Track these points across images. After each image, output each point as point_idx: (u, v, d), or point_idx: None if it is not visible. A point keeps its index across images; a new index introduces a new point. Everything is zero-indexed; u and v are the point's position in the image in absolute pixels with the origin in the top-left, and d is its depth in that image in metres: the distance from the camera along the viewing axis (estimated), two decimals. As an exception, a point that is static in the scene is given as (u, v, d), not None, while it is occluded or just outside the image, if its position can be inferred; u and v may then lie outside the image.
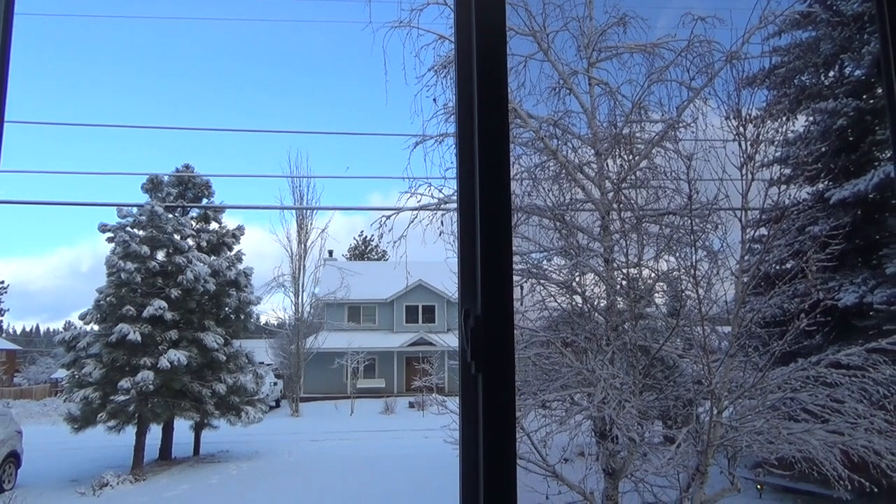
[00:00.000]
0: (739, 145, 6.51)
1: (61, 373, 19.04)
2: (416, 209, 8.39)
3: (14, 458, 13.03)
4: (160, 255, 15.93)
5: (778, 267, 7.83)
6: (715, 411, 6.16)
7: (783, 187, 6.96)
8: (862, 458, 5.95)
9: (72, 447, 15.15)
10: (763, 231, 7.06)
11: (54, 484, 13.17)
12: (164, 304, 15.02)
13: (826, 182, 10.18)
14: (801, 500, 9.13)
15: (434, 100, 7.71)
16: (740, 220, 6.64)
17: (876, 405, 6.11)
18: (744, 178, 6.51)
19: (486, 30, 1.57)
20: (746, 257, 6.80)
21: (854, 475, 6.00)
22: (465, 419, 1.45)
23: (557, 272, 7.25)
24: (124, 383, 14.01)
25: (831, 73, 11.20)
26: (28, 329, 45.28)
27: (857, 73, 10.62)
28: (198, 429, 16.28)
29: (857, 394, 6.11)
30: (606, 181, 7.36)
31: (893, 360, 6.24)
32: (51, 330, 40.84)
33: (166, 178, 17.16)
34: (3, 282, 33.39)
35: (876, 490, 5.92)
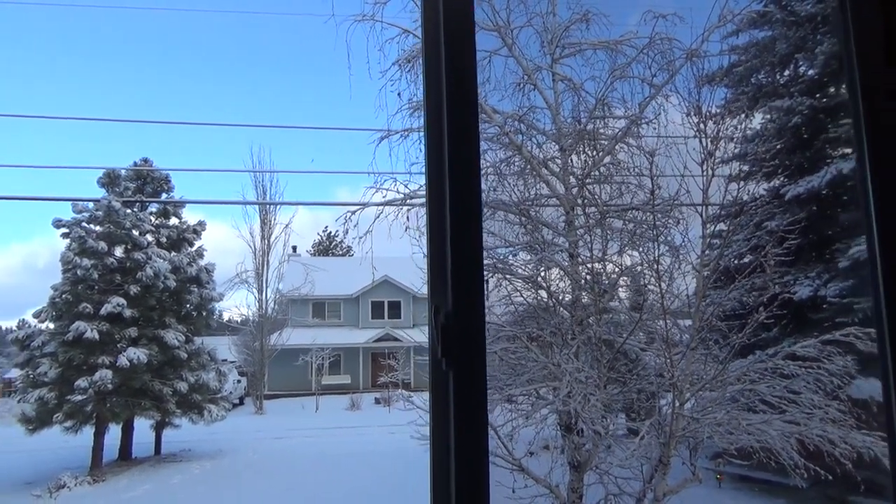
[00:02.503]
0: (700, 142, 6.62)
1: (15, 372, 18.45)
2: (381, 204, 8.35)
3: (-36, 461, 12.62)
4: (118, 252, 15.57)
5: (736, 261, 8.00)
6: (677, 403, 6.27)
7: (742, 183, 7.10)
8: (817, 446, 6.13)
9: (27, 449, 14.73)
10: (722, 226, 7.21)
11: (8, 487, 12.79)
12: (122, 301, 14.69)
13: (782, 178, 10.44)
14: (758, 489, 9.37)
15: (399, 94, 7.67)
16: (701, 216, 6.75)
17: (830, 395, 6.30)
18: (704, 174, 6.62)
19: (454, 23, 1.55)
20: (706, 252, 6.93)
21: (810, 463, 6.18)
22: (436, 416, 1.44)
23: (523, 267, 7.29)
24: (81, 382, 13.65)
25: (786, 72, 11.47)
26: (-22, 328, 43.75)
27: (811, 72, 10.90)
28: (159, 428, 15.99)
29: (812, 384, 6.29)
30: (571, 177, 7.42)
31: (846, 351, 6.44)
32: (3, 328, 39.58)
33: (124, 172, 16.75)
34: (-49, 279, 32.18)
35: (830, 478, 6.11)
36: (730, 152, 7.89)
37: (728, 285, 7.00)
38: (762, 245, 7.29)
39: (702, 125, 6.63)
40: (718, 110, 7.28)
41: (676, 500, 6.54)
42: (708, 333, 6.83)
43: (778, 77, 11.58)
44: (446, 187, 1.48)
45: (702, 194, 6.68)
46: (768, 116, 11.08)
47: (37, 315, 15.06)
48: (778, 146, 10.09)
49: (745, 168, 9.33)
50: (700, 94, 6.85)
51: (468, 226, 1.47)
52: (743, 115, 8.12)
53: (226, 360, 20.16)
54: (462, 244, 1.45)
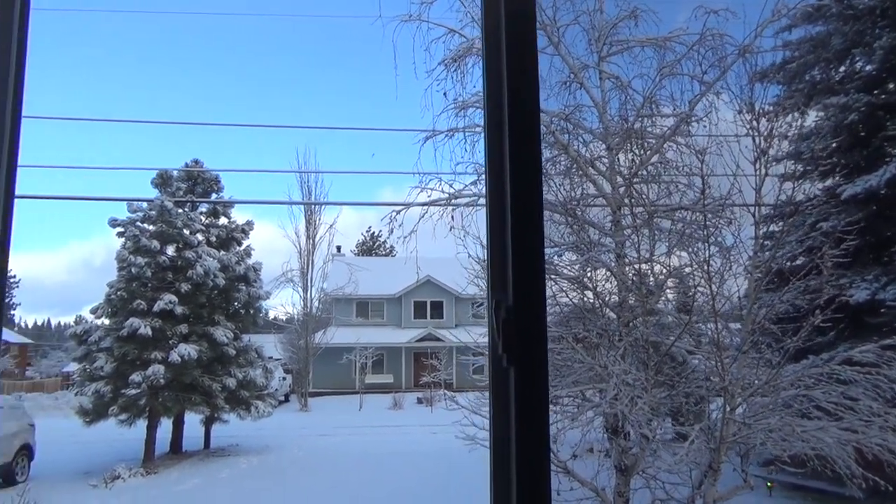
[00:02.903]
0: (753, 140, 6.46)
1: (73, 366, 19.17)
2: (425, 204, 8.39)
3: (27, 450, 13.15)
4: (170, 250, 16.00)
5: (790, 263, 7.77)
6: (728, 408, 6.12)
7: (796, 182, 6.90)
8: (876, 456, 5.91)
9: (84, 440, 15.25)
10: (775, 227, 7.01)
11: (67, 476, 13.27)
12: (174, 298, 15.10)
13: (838, 177, 10.08)
14: (811, 498, 9.08)
15: (444, 94, 7.70)
16: (753, 216, 6.58)
17: (890, 403, 6.06)
18: (757, 172, 6.45)
19: (516, 21, 1.55)
20: (759, 253, 6.75)
21: (868, 473, 5.95)
22: (497, 413, 1.43)
23: (569, 267, 7.22)
24: (135, 377, 14.09)
25: (842, 68, 11.08)
26: (40, 323, 45.61)
27: (869, 67, 10.51)
28: (208, 423, 16.37)
29: (871, 391, 6.06)
30: (618, 176, 7.32)
31: (908, 357, 6.19)
32: (62, 324, 41.14)
33: (176, 173, 17.22)
34: (14, 276, 33.63)
35: (891, 489, 5.88)
36: (783, 151, 7.68)
37: (781, 287, 6.81)
38: (817, 246, 7.07)
39: (754, 122, 6.47)
40: (771, 108, 7.09)
41: (726, 506, 6.39)
42: (760, 337, 6.66)
43: (833, 73, 11.20)
44: (507, 182, 1.48)
45: (754, 194, 6.51)
46: (823, 114, 10.73)
47: (93, 311, 15.61)
48: (833, 144, 9.76)
49: (800, 167, 9.06)
50: (753, 90, 6.68)
51: (530, 220, 1.45)
52: (797, 113, 7.88)
53: (272, 357, 20.54)
54: (523, 238, 1.44)
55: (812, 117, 10.52)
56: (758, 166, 6.47)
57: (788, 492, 9.37)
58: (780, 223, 6.77)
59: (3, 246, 1.52)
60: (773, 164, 6.72)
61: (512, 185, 1.47)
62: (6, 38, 1.55)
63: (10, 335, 30.73)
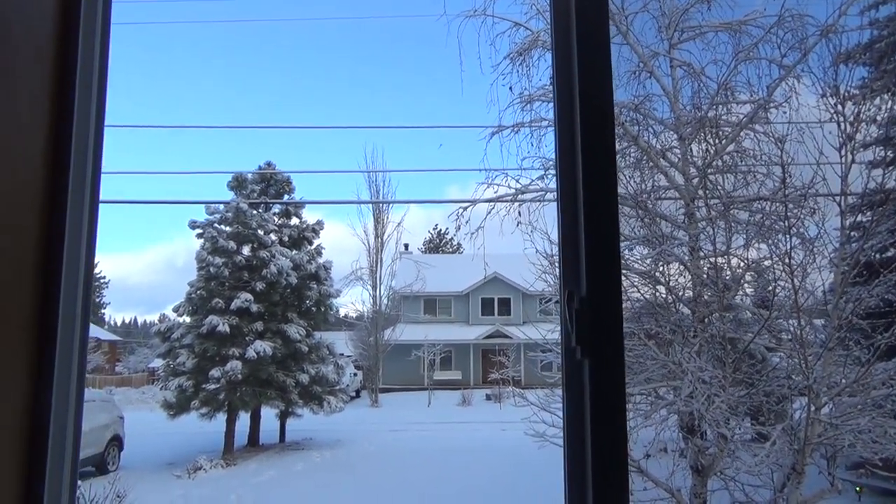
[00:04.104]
0: (838, 125, 6.10)
1: (158, 362, 20.15)
2: (492, 200, 8.35)
3: (117, 441, 13.93)
4: (245, 250, 16.57)
5: (879, 255, 7.31)
6: (813, 408, 5.82)
7: (887, 169, 6.47)
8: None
9: (168, 432, 16.02)
10: (863, 216, 6.60)
11: (153, 467, 13.97)
12: (250, 296, 15.63)
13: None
14: (905, 505, 8.55)
15: (510, 88, 7.63)
16: (839, 205, 6.22)
17: None
18: (843, 159, 6.09)
19: (586, 8, 1.51)
20: (845, 244, 6.37)
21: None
22: (571, 409, 1.39)
23: (640, 262, 7.04)
24: (215, 372, 14.69)
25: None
26: (127, 321, 48.31)
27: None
28: (283, 417, 16.88)
29: (974, 391, 5.64)
30: (691, 167, 7.08)
31: None
32: (147, 322, 43.38)
33: (250, 175, 17.82)
34: (104, 277, 35.64)
35: None
36: (872, 136, 7.22)
37: (870, 281, 6.41)
38: (910, 236, 6.62)
39: (839, 107, 6.10)
40: (858, 91, 6.68)
41: (812, 511, 6.08)
42: (847, 333, 6.29)
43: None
44: (579, 177, 1.43)
45: (840, 182, 6.15)
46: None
47: (176, 309, 16.38)
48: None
49: (890, 153, 8.50)
50: (837, 73, 6.30)
51: (604, 212, 1.40)
52: (886, 95, 7.39)
53: (343, 354, 20.97)
54: (598, 228, 1.39)
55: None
56: (843, 153, 6.11)
57: (879, 497, 8.86)
58: (869, 212, 6.36)
59: (90, 248, 1.60)
60: (861, 150, 6.33)
61: (584, 179, 1.42)
62: (89, 49, 1.62)
63: (101, 333, 32.65)
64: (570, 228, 1.44)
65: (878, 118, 6.87)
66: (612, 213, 1.41)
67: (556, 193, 1.54)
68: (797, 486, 5.96)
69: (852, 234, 6.64)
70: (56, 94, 1.57)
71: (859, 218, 6.67)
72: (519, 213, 8.01)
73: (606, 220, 1.40)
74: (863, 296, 6.27)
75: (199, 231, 16.40)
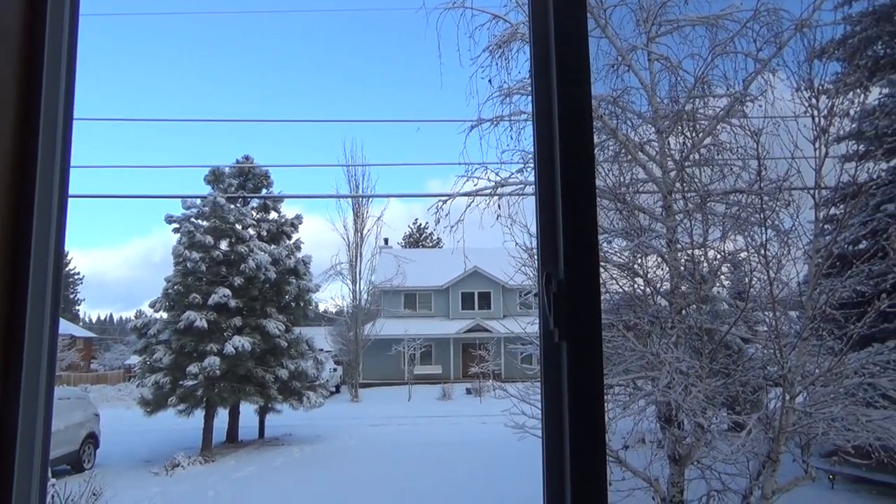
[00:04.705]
0: (812, 118, 6.18)
1: (134, 359, 19.91)
2: (471, 194, 8.35)
3: (93, 439, 13.74)
4: (223, 245, 16.39)
5: (852, 247, 7.44)
6: (787, 397, 5.91)
7: (860, 162, 6.57)
8: (948, 447, 5.62)
9: (145, 429, 15.84)
10: (836, 209, 6.70)
11: (130, 464, 13.80)
12: (228, 291, 15.48)
13: (903, 157, 9.58)
14: (876, 491, 8.73)
15: (489, 81, 7.63)
16: (813, 198, 6.31)
17: (964, 391, 5.75)
18: (817, 152, 6.18)
19: (564, 1, 1.51)
20: (819, 237, 6.47)
21: (939, 465, 5.67)
22: (549, 393, 1.38)
23: (618, 254, 7.08)
24: (192, 368, 14.53)
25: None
26: (103, 318, 47.58)
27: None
28: (262, 413, 16.77)
29: (943, 379, 5.76)
30: (668, 160, 7.13)
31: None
32: (124, 318, 42.83)
33: (227, 169, 17.62)
34: (78, 273, 35.05)
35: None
36: (845, 129, 7.34)
37: (843, 272, 6.51)
38: (882, 228, 6.74)
39: (813, 100, 6.18)
40: (832, 85, 6.77)
41: (786, 498, 6.18)
42: (821, 324, 6.39)
43: (898, 48, 10.63)
44: (557, 170, 1.43)
45: (814, 175, 6.24)
46: (887, 90, 10.21)
47: (152, 305, 16.15)
48: (898, 122, 9.27)
49: (863, 146, 8.64)
50: (811, 67, 6.38)
51: (581, 185, 1.40)
52: (859, 89, 7.51)
53: (322, 349, 20.89)
54: (575, 204, 1.38)
55: (875, 94, 10.02)
56: (817, 146, 6.19)
57: (852, 484, 9.03)
58: (842, 205, 6.46)
59: (59, 243, 1.56)
60: (834, 143, 6.43)
61: (562, 173, 1.42)
62: (56, 41, 1.58)
63: (75, 329, 32.11)
64: (549, 212, 1.43)
65: (851, 112, 6.98)
66: (589, 197, 1.41)
67: (534, 186, 1.54)
68: (772, 473, 6.05)
69: (826, 226, 6.74)
70: (23, 83, 1.53)
71: (833, 211, 6.77)
72: (499, 206, 8.04)
73: (584, 203, 1.40)
74: (836, 287, 6.37)
75: (175, 226, 16.17)
